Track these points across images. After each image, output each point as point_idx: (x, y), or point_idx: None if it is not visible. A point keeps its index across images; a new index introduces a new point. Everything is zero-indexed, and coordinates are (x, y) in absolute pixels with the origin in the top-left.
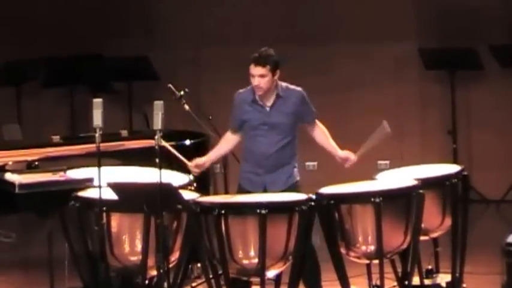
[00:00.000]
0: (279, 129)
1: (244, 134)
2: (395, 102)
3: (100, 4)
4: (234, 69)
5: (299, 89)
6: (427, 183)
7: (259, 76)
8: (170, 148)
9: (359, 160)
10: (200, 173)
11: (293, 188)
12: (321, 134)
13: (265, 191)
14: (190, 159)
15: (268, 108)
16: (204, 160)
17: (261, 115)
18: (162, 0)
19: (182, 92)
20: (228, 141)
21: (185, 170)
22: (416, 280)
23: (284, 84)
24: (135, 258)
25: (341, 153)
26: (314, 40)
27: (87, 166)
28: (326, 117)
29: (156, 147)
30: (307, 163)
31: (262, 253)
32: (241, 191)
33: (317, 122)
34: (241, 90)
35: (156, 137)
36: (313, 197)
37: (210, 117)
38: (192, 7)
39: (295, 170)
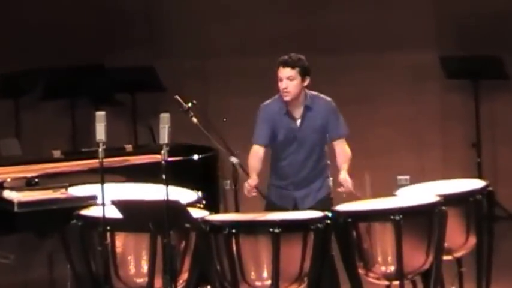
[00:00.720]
0: (308, 145)
1: (272, 146)
2: (416, 114)
3: (102, 12)
4: (244, 81)
5: (329, 99)
6: (449, 199)
7: (287, 79)
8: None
9: (378, 175)
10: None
11: (324, 201)
12: (341, 157)
13: (295, 207)
14: (198, 175)
15: (298, 122)
16: (257, 179)
17: (292, 128)
18: (168, 8)
19: (190, 104)
20: (259, 156)
21: (193, 186)
22: None
23: (313, 93)
24: (141, 281)
25: (341, 176)
26: (329, 50)
27: (90, 183)
28: None
29: (163, 162)
30: None
31: (275, 274)
32: (270, 204)
33: (343, 141)
34: (266, 102)
35: (163, 152)
36: (329, 214)
37: (224, 119)
38: (199, 15)
39: (327, 180)
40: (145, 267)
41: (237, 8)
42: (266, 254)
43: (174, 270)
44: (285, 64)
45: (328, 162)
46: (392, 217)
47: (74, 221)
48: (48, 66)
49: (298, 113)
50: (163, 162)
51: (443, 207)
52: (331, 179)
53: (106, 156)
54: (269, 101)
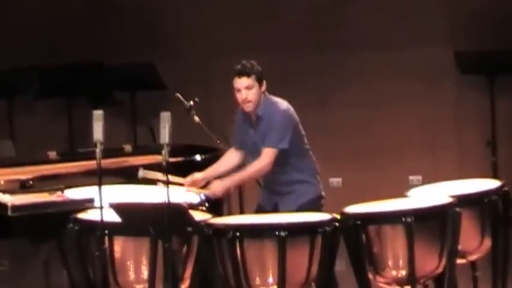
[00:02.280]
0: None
1: None
2: (428, 111)
3: (100, 7)
4: None
5: (282, 108)
6: (464, 200)
7: (246, 88)
8: (152, 175)
9: (388, 176)
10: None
11: (307, 207)
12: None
13: (275, 209)
14: None
15: (252, 130)
16: (201, 177)
17: (250, 136)
18: (170, 3)
19: (192, 102)
20: (229, 158)
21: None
22: None
23: (273, 100)
24: (141, 287)
25: (216, 182)
26: (337, 48)
27: (87, 185)
28: (352, 133)
29: (163, 163)
30: (330, 179)
31: (281, 280)
32: (258, 206)
33: (266, 150)
34: (240, 107)
35: (164, 152)
36: (338, 217)
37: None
38: (202, 11)
39: (310, 186)
40: (145, 273)
41: (242, 6)
42: (272, 258)
43: (175, 276)
44: (240, 73)
45: (310, 170)
46: (403, 219)
47: (71, 225)
48: (43, 64)
49: (254, 121)
50: (164, 163)
51: (457, 209)
52: (317, 181)
53: (104, 157)
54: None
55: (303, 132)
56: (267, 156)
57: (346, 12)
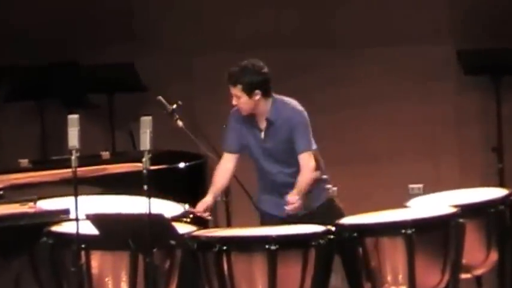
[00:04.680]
0: (277, 157)
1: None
2: (429, 115)
3: (76, 3)
4: None
5: (299, 109)
6: (468, 210)
7: (235, 97)
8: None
9: (387, 184)
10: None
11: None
12: (301, 174)
13: (289, 215)
14: (185, 185)
15: (262, 134)
16: (211, 200)
17: (258, 139)
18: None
19: (174, 106)
20: (227, 168)
21: (179, 198)
22: None
23: (284, 100)
24: None
25: (290, 195)
26: (331, 45)
27: (62, 195)
28: (346, 135)
29: (144, 171)
30: None
31: None
32: (265, 216)
33: (304, 156)
34: (237, 108)
35: (144, 160)
36: (333, 228)
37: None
38: (185, 5)
39: (325, 187)
40: None
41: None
42: (261, 273)
43: None
44: (228, 81)
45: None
46: (403, 231)
47: (44, 238)
48: (13, 64)
49: (262, 124)
50: (144, 171)
51: (461, 220)
52: (329, 186)
53: (80, 165)
54: None
55: None
56: (308, 160)
57: (340, 7)
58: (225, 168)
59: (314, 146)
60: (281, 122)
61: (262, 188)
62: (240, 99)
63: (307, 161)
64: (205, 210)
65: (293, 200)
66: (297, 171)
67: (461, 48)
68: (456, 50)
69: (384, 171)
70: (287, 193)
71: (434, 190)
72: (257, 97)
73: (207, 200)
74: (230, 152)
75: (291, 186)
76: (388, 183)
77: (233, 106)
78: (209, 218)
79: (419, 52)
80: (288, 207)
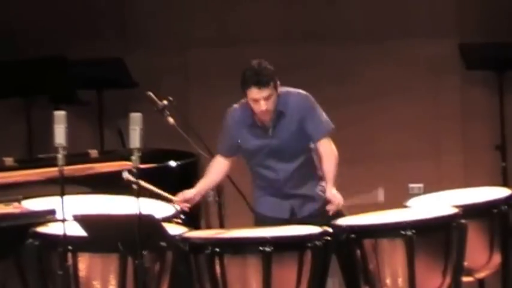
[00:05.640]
0: (286, 154)
1: (244, 156)
2: (431, 112)
3: None
4: (229, 75)
5: (303, 93)
6: (470, 211)
7: (265, 99)
8: (146, 185)
9: (387, 184)
10: (190, 207)
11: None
12: (327, 162)
13: (293, 215)
14: (176, 184)
15: (270, 131)
16: (194, 192)
17: (263, 138)
18: None
19: (165, 102)
20: (218, 168)
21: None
22: None
23: (284, 89)
24: None
25: (329, 192)
26: (331, 39)
27: (48, 195)
28: (348, 132)
29: (134, 170)
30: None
31: None
32: (261, 218)
33: (327, 141)
34: (234, 108)
35: (133, 158)
36: (330, 230)
37: None
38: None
39: (319, 187)
40: None
41: None
42: (255, 276)
43: None
44: (260, 85)
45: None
46: (403, 232)
47: (30, 240)
48: None
49: (268, 120)
50: (134, 170)
51: (463, 221)
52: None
53: (67, 164)
54: (236, 106)
55: None
56: (329, 145)
57: (341, 1)
58: (218, 167)
59: (331, 125)
60: (291, 111)
61: (261, 190)
62: (271, 98)
63: (328, 147)
64: (183, 201)
65: (333, 196)
66: (299, 165)
67: (464, 42)
68: (458, 43)
69: (383, 170)
70: (289, 190)
71: (435, 189)
72: (279, 89)
73: (189, 192)
74: (226, 156)
75: (292, 181)
76: (387, 182)
77: (230, 105)
78: (186, 209)
79: (420, 46)
80: (331, 207)
